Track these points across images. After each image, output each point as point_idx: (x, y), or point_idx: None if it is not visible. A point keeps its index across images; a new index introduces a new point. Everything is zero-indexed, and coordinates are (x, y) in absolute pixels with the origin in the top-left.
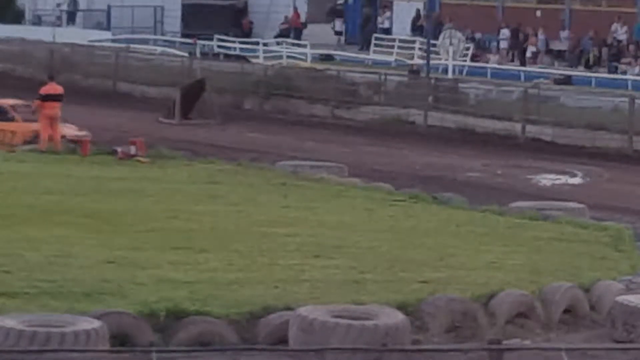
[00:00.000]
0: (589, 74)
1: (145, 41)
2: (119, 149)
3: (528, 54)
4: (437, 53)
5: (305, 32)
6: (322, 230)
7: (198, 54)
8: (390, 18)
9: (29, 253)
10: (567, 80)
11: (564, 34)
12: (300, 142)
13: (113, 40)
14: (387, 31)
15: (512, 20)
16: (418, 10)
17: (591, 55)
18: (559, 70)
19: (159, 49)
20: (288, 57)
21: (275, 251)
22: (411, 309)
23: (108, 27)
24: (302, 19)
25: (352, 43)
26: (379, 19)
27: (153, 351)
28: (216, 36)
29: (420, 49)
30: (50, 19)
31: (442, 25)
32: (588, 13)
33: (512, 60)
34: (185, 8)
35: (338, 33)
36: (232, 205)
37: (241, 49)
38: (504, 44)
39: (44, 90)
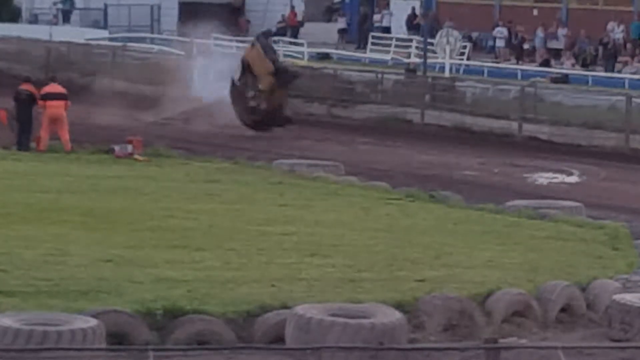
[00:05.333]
0: (585, 73)
1: (142, 40)
2: (116, 148)
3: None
4: (434, 52)
5: (302, 30)
6: (319, 229)
7: (195, 53)
8: (390, 16)
9: (25, 251)
10: (564, 79)
11: (563, 32)
12: (297, 140)
13: (110, 39)
14: (387, 30)
15: (508, 19)
16: (413, 9)
17: (588, 54)
18: (556, 68)
19: (156, 47)
20: (285, 55)
21: (272, 250)
22: (408, 307)
23: (105, 26)
24: (299, 17)
25: (350, 42)
26: (378, 17)
27: (150, 350)
28: (213, 35)
29: (417, 47)
30: (47, 17)
31: (439, 23)
32: (585, 12)
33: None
34: (182, 6)
35: (341, 31)
36: (229, 204)
37: (238, 48)
38: (500, 43)
39: (44, 90)
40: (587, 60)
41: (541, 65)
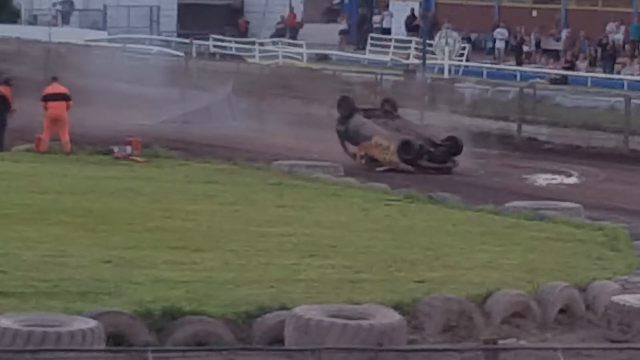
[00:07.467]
0: (584, 74)
1: (141, 41)
2: (115, 149)
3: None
4: (433, 53)
5: (301, 31)
6: (318, 230)
7: (194, 54)
8: (390, 17)
9: (24, 252)
10: (563, 80)
11: (565, 33)
12: (296, 141)
13: (109, 40)
14: (387, 31)
15: (507, 20)
16: (412, 10)
17: (587, 55)
18: (555, 70)
19: (155, 48)
20: (284, 56)
21: (271, 251)
22: (407, 308)
23: (104, 27)
24: (298, 18)
25: (349, 43)
26: (377, 18)
27: (149, 351)
28: (212, 36)
29: (416, 48)
30: (46, 18)
31: (437, 24)
32: (584, 13)
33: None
34: (181, 8)
35: (342, 32)
36: (228, 205)
37: (237, 49)
38: (499, 44)
39: (45, 90)
40: (586, 61)
41: (565, 68)
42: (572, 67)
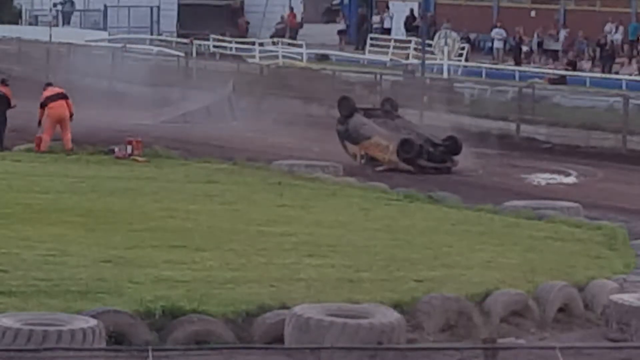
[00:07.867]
0: (583, 74)
1: (141, 41)
2: (116, 149)
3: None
4: (432, 53)
5: (301, 32)
6: (318, 230)
7: (194, 54)
8: (391, 17)
9: (25, 252)
10: (562, 80)
11: (563, 33)
12: (296, 141)
13: (109, 40)
14: (388, 31)
15: (506, 20)
16: (412, 10)
17: (586, 55)
18: (555, 70)
19: (155, 48)
20: (284, 57)
21: (271, 250)
22: (406, 307)
23: (104, 27)
24: (298, 18)
25: (349, 43)
26: (375, 18)
27: (149, 350)
28: (212, 36)
29: (415, 48)
30: (47, 19)
31: (436, 25)
32: (582, 13)
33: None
34: (182, 8)
35: (341, 32)
36: (228, 205)
37: (237, 49)
38: (498, 44)
39: (43, 95)
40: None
41: (567, 69)
42: (574, 67)
